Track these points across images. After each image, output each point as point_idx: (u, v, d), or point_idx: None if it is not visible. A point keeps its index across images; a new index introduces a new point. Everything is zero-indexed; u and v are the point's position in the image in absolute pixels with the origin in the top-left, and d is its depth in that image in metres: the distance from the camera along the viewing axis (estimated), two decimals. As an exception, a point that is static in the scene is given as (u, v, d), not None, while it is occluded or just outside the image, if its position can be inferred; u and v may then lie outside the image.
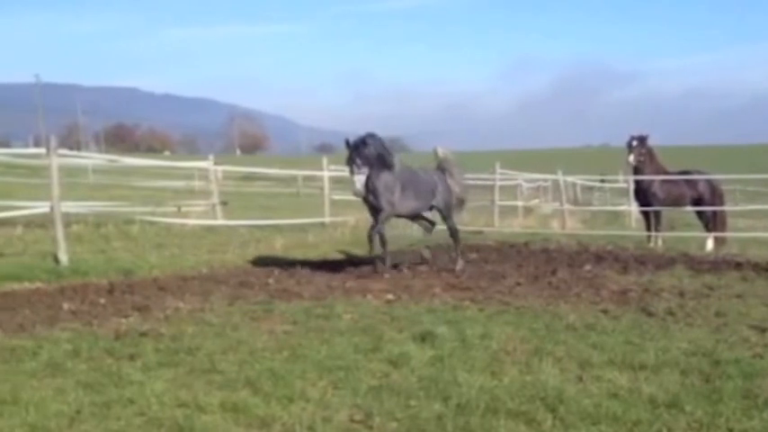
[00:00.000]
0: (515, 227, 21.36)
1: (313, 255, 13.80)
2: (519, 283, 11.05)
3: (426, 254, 13.36)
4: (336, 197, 23.23)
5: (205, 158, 22.13)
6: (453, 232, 13.45)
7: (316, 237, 16.56)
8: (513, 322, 8.18)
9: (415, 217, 13.69)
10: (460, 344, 7.22)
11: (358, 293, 10.07)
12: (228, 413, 5.37)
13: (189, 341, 7.30)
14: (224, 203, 19.87)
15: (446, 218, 13.43)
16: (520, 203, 27.36)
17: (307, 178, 43.17)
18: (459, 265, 12.83)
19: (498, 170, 23.77)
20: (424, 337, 7.41)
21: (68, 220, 14.38)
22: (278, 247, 14.66)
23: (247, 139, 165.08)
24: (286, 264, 12.81)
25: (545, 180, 33.67)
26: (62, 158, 15.61)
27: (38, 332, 7.71)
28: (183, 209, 19.97)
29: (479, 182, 29.07)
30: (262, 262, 13.10)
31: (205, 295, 9.88)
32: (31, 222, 16.06)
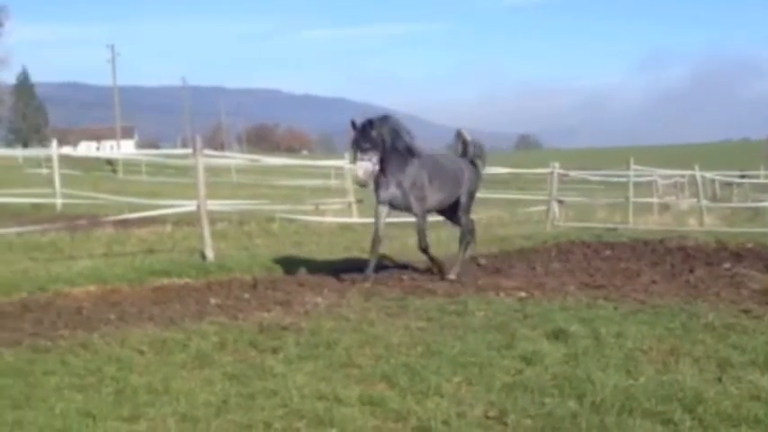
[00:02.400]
0: (651, 224, 20.76)
1: (443, 253, 13.78)
2: (654, 282, 10.74)
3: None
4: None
5: (341, 157, 22.51)
6: (464, 231, 12.01)
7: (448, 234, 16.55)
8: (648, 321, 7.95)
9: (442, 212, 12.20)
10: (594, 342, 7.09)
11: (490, 290, 10.02)
12: (366, 406, 5.45)
13: (327, 335, 7.43)
14: (359, 201, 20.14)
15: (464, 210, 12.00)
16: (655, 200, 26.62)
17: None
18: (456, 270, 11.28)
19: (633, 166, 23.19)
20: (558, 335, 7.32)
21: (213, 217, 14.87)
22: (410, 244, 14.72)
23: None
24: (418, 260, 12.84)
25: (681, 176, 32.64)
26: (207, 159, 16.23)
27: (187, 325, 8.02)
28: (321, 207, 20.38)
29: (614, 178, 28.45)
30: (395, 259, 13.17)
31: (342, 291, 10.05)
32: (179, 220, 16.71)
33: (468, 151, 12.30)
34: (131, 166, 53.46)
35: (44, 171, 37.35)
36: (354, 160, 10.85)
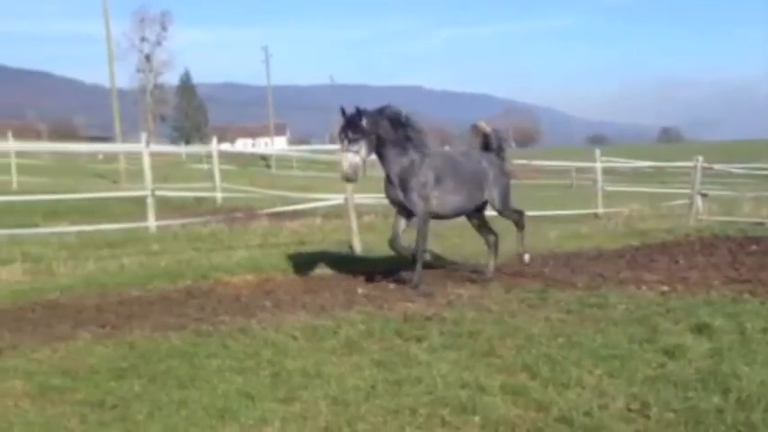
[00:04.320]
0: (800, 217, 19.64)
1: (587, 246, 13.53)
2: (804, 276, 10.16)
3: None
4: (609, 188, 22.70)
5: (482, 152, 22.38)
6: (517, 220, 10.87)
7: (589, 228, 16.24)
8: (797, 317, 7.56)
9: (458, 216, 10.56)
10: (740, 337, 6.80)
11: (631, 284, 9.74)
12: (508, 395, 5.43)
13: (470, 326, 7.44)
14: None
15: (503, 209, 10.68)
16: (804, 192, 25.19)
17: (579, 170, 42.44)
18: (527, 257, 10.72)
19: (780, 158, 22.04)
20: (701, 329, 7.05)
21: (360, 210, 15.12)
22: (552, 237, 14.54)
23: (521, 132, 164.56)
24: (560, 254, 12.66)
25: (833, 168, 30.78)
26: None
27: (336, 313, 8.19)
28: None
29: (760, 171, 27.11)
30: (536, 252, 12.99)
31: (483, 283, 10.02)
32: (328, 213, 17.08)
33: (492, 144, 10.84)
34: (283, 161, 55.01)
35: (205, 167, 38.92)
36: (341, 151, 9.53)
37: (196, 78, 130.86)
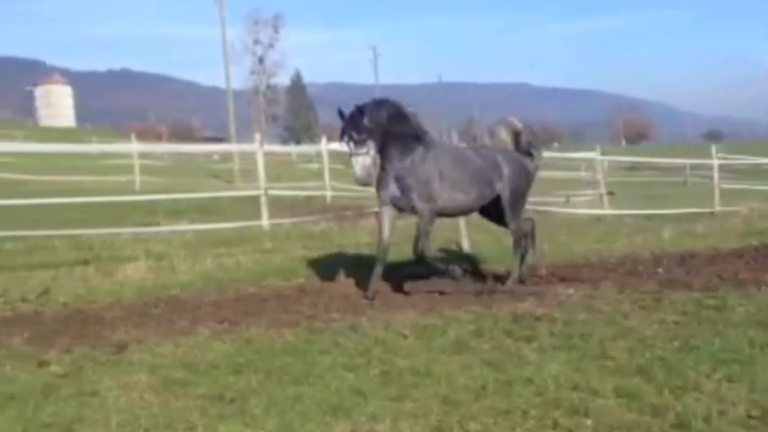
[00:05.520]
0: None
1: (703, 245, 13.09)
2: None
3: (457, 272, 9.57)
4: (726, 186, 21.95)
5: (592, 149, 22.03)
6: (517, 238, 9.90)
7: (705, 227, 15.69)
8: None
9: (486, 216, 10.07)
10: None
11: (752, 285, 9.35)
12: (621, 399, 5.30)
13: (581, 327, 7.30)
14: (611, 194, 19.63)
15: (511, 215, 9.73)
16: None
17: (694, 167, 41.18)
18: (510, 283, 9.70)
19: None
20: (827, 335, 6.73)
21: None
22: (665, 237, 14.13)
23: (632, 128, 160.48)
24: (674, 254, 12.28)
25: None
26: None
27: (446, 312, 8.17)
28: (572, 198, 20.07)
29: None
30: (650, 252, 12.66)
31: (595, 283, 9.80)
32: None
33: (522, 142, 10.24)
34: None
35: (315, 166, 39.50)
36: (349, 155, 8.90)
37: (306, 78, 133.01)
